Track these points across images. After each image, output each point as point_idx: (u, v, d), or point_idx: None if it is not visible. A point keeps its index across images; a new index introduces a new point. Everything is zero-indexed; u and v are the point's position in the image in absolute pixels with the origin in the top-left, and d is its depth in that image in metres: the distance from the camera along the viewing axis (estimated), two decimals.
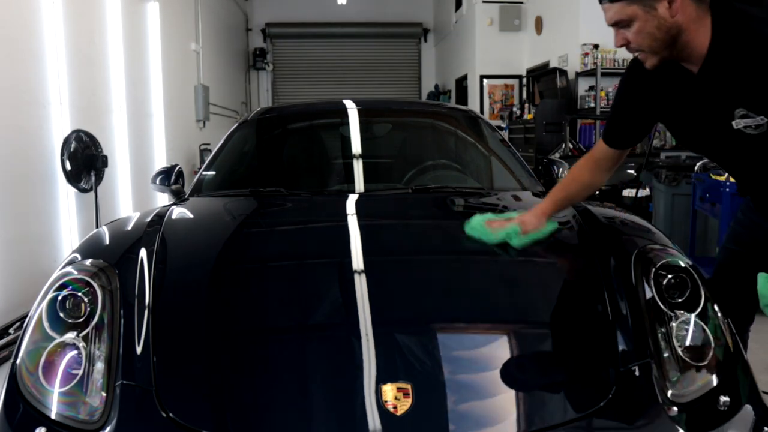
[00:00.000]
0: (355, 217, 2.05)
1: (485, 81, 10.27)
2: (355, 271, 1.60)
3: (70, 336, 1.39)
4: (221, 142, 2.81)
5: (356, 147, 2.58)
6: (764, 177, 1.68)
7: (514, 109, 9.64)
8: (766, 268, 1.67)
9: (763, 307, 1.60)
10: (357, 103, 2.85)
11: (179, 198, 2.50)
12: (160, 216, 1.94)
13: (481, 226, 1.77)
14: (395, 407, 1.23)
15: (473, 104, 10.21)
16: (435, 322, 1.50)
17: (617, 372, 1.37)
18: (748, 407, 1.38)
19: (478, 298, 1.61)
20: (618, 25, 1.54)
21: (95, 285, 1.48)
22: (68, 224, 4.30)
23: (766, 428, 1.35)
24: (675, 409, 1.32)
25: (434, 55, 13.61)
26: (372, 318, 1.44)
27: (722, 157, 1.78)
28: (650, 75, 1.65)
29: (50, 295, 1.46)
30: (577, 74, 7.86)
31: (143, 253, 1.66)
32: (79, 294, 1.46)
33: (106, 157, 4.39)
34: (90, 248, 1.71)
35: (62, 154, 4.03)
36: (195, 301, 1.57)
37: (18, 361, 1.37)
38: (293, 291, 1.58)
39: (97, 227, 3.14)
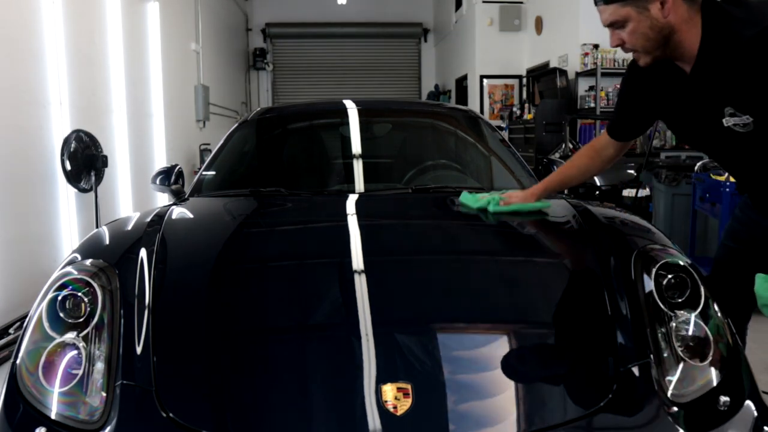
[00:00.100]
0: (355, 217, 2.05)
1: (485, 81, 10.27)
2: (355, 271, 1.60)
3: (70, 336, 1.39)
4: (221, 142, 2.81)
5: (356, 147, 2.58)
6: (759, 174, 1.70)
7: (514, 109, 9.64)
8: (764, 264, 1.68)
9: (761, 307, 1.60)
10: (357, 103, 2.85)
11: (179, 198, 2.50)
12: (160, 216, 1.94)
13: (470, 195, 2.05)
14: (395, 407, 1.23)
15: (473, 104, 10.21)
16: (435, 322, 1.50)
17: (617, 372, 1.37)
18: (748, 407, 1.38)
19: (478, 298, 1.61)
20: (613, 25, 1.60)
21: (95, 285, 1.48)
22: (68, 224, 4.30)
23: (766, 428, 1.35)
24: (675, 408, 1.32)
25: (434, 55, 13.61)
26: (372, 318, 1.44)
27: (717, 153, 1.82)
28: (648, 74, 1.71)
29: (50, 295, 1.46)
30: (577, 74, 7.86)
31: (143, 253, 1.66)
32: (79, 294, 1.46)
33: (106, 157, 4.40)
34: (90, 248, 1.71)
35: (62, 154, 4.03)
36: (195, 301, 1.57)
37: (18, 361, 1.37)
38: (293, 291, 1.58)
39: (97, 227, 3.14)
